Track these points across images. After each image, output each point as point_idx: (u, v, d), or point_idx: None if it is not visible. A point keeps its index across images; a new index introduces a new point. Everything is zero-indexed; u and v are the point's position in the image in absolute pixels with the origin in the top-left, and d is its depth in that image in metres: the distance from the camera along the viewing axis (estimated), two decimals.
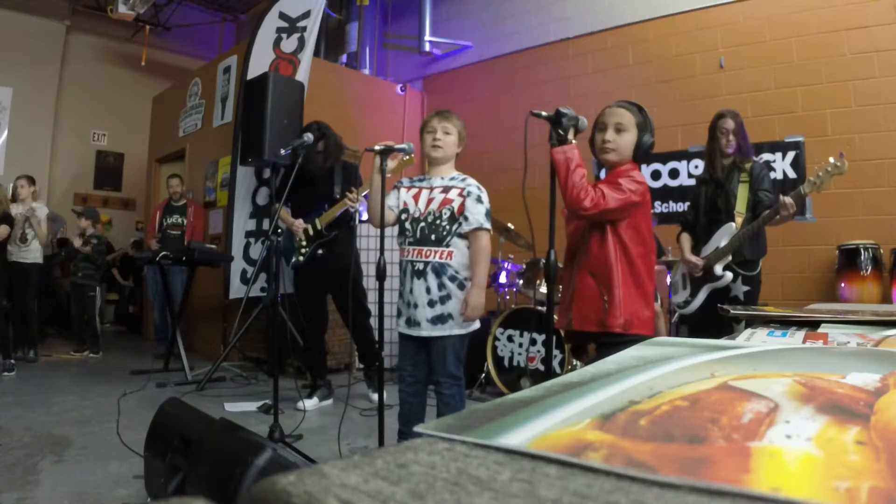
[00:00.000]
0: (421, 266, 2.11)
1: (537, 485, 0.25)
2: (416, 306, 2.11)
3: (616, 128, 1.92)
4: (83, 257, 5.43)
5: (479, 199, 2.14)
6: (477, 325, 2.17)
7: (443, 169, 2.21)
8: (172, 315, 4.67)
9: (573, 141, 1.88)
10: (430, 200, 2.14)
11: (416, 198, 2.16)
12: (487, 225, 2.13)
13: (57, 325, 6.42)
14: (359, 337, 3.69)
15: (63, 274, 7.31)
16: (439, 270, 2.10)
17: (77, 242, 5.39)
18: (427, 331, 2.10)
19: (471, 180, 2.20)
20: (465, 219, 2.11)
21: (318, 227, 3.44)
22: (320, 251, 3.46)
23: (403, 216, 2.16)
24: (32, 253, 4.80)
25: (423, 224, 2.13)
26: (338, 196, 3.43)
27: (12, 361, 4.43)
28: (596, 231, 1.92)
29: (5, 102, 7.35)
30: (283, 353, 4.04)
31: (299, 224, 3.47)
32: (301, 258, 3.48)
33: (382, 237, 2.08)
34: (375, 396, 3.49)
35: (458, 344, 2.14)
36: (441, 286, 2.10)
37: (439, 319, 2.09)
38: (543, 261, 1.95)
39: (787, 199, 2.56)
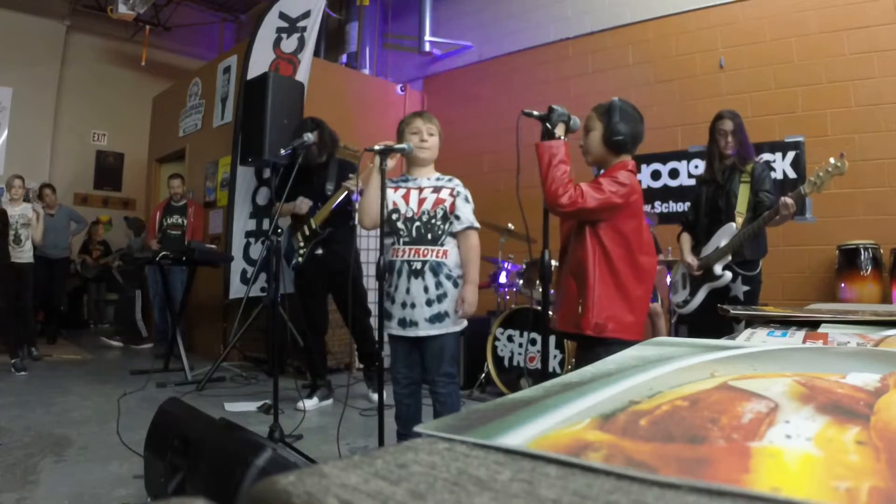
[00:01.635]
0: (419, 265, 2.11)
1: (537, 485, 0.25)
2: (413, 306, 2.11)
3: (584, 131, 1.98)
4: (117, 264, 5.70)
5: (466, 199, 2.19)
6: (465, 323, 2.20)
7: (425, 170, 2.24)
8: (172, 315, 4.67)
9: (562, 137, 1.88)
10: (422, 200, 2.15)
11: (405, 198, 2.17)
12: (477, 224, 2.19)
13: (58, 325, 6.42)
14: (359, 337, 3.69)
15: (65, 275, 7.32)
16: (436, 269, 2.11)
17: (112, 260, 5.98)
18: (425, 330, 2.11)
19: (457, 180, 2.24)
20: (457, 218, 2.15)
21: (314, 226, 3.44)
22: (320, 251, 3.46)
23: (394, 216, 2.16)
24: (27, 253, 4.80)
25: (418, 223, 2.14)
26: (329, 193, 3.43)
27: (20, 360, 4.44)
28: (579, 232, 1.91)
29: (5, 102, 7.34)
30: (283, 353, 4.04)
31: (302, 201, 3.43)
32: (300, 259, 3.48)
33: (382, 237, 2.08)
34: (375, 396, 3.49)
35: (453, 342, 2.16)
36: (438, 285, 2.11)
37: (437, 318, 2.11)
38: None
39: (788, 200, 2.56)
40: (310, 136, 2.89)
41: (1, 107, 7.33)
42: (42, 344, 5.56)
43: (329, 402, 3.59)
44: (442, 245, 2.13)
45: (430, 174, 2.24)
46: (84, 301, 7.96)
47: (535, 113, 1.89)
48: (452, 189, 2.18)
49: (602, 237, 1.85)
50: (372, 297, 3.59)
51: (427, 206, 2.14)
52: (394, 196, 2.17)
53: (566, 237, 2.04)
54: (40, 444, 2.62)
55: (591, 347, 1.85)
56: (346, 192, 3.35)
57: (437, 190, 2.17)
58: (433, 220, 2.13)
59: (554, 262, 2.23)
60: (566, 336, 2.06)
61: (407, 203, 2.16)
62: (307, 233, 3.45)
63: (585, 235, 1.87)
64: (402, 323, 2.13)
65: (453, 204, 2.15)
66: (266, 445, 1.41)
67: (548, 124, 1.87)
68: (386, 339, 2.25)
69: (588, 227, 1.87)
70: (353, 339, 3.83)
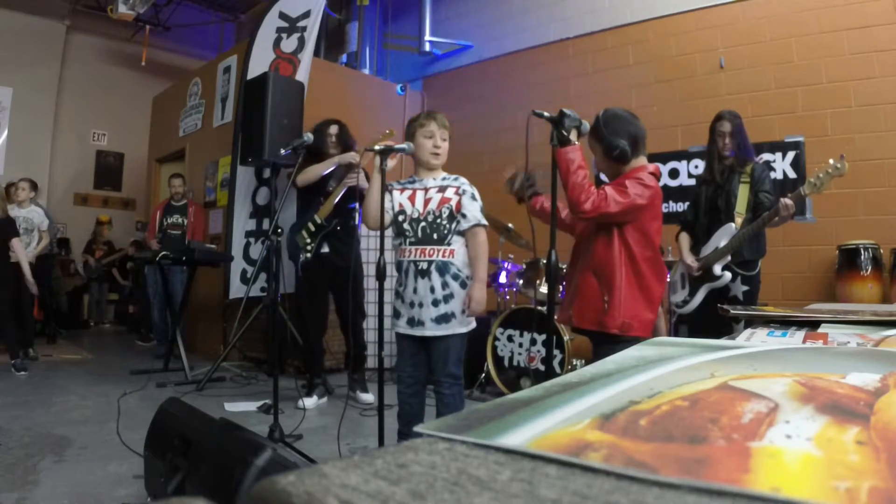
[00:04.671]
0: (425, 265, 2.12)
1: (537, 485, 0.25)
2: (420, 305, 2.11)
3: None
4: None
5: (473, 197, 2.18)
6: (474, 324, 2.19)
7: (433, 172, 2.25)
8: (172, 315, 4.67)
9: (576, 142, 1.90)
10: (427, 200, 2.16)
11: (411, 199, 2.18)
12: (485, 221, 2.17)
13: (57, 325, 6.41)
14: (349, 337, 3.70)
15: (63, 274, 7.31)
16: (443, 269, 2.11)
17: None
18: (431, 330, 2.11)
19: (463, 179, 2.23)
20: (464, 216, 2.15)
21: (318, 221, 3.47)
22: (326, 249, 3.48)
23: (400, 217, 2.17)
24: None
25: (423, 224, 2.14)
26: (331, 188, 3.46)
27: (21, 360, 4.43)
28: (602, 232, 1.94)
29: (5, 102, 7.34)
30: (283, 353, 4.04)
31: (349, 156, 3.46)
32: (308, 254, 3.51)
33: (382, 237, 2.08)
34: (362, 396, 3.52)
35: (459, 343, 2.16)
36: (444, 285, 2.11)
37: (443, 319, 2.10)
38: (544, 260, 1.97)
39: (788, 201, 2.56)
40: (309, 136, 2.89)
41: (1, 107, 7.32)
42: (42, 344, 5.55)
43: (324, 399, 3.60)
44: (448, 244, 2.13)
45: (437, 174, 2.24)
46: (84, 301, 7.96)
47: (546, 114, 1.88)
48: (458, 188, 2.17)
49: (628, 238, 1.88)
50: (372, 297, 3.60)
51: (432, 206, 2.14)
52: (400, 197, 2.18)
53: (581, 236, 2.06)
54: (40, 444, 2.62)
55: (612, 345, 1.87)
56: (345, 188, 3.40)
57: (442, 189, 2.17)
58: (438, 220, 2.13)
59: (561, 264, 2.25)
60: (582, 333, 2.08)
61: (413, 204, 2.17)
62: (312, 228, 3.48)
63: (612, 236, 1.90)
64: (411, 322, 2.14)
65: (459, 202, 2.14)
66: (266, 445, 1.41)
67: (563, 130, 1.87)
68: (391, 338, 2.24)
69: (615, 228, 1.90)
70: (345, 340, 3.85)
